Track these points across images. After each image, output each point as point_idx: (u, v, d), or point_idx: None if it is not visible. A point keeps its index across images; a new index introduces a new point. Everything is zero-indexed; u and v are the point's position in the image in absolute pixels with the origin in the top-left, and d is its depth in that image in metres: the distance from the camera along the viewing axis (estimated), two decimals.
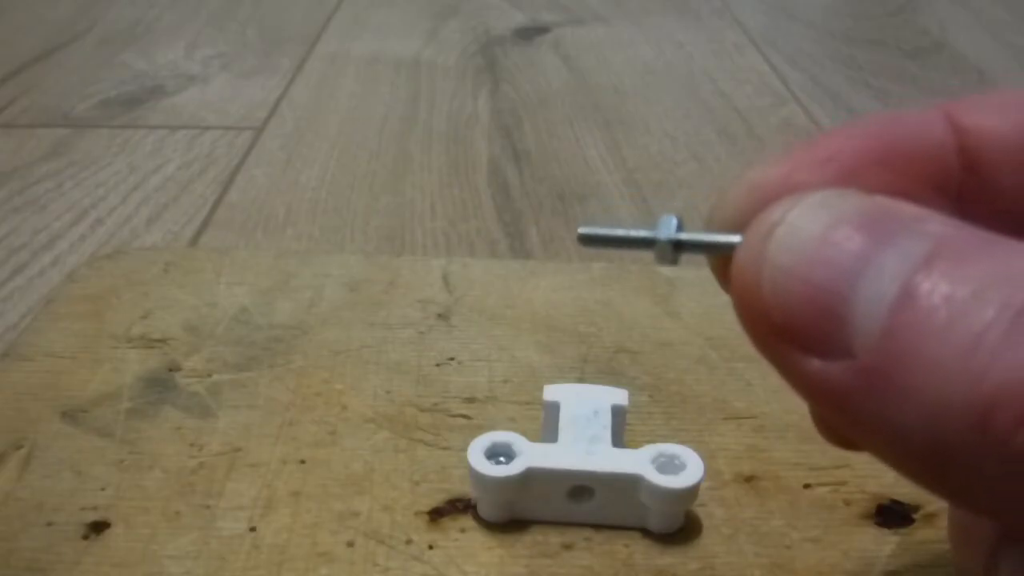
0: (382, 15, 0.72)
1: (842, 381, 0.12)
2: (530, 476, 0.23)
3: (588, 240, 0.16)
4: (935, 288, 0.11)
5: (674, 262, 0.15)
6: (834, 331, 0.12)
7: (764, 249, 0.13)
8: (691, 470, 0.22)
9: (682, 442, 0.23)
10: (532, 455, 0.23)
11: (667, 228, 0.15)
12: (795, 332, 0.12)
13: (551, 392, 0.25)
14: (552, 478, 0.23)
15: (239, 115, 0.53)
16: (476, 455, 0.23)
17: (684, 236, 0.15)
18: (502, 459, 0.23)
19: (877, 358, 0.11)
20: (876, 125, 0.15)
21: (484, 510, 0.23)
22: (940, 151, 0.15)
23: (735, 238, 0.14)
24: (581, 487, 0.23)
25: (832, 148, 0.15)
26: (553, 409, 0.24)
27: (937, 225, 0.12)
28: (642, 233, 0.16)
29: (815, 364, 0.12)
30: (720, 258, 0.15)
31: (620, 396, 0.25)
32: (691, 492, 0.22)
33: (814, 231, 0.12)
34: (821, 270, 0.12)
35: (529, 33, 0.67)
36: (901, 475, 0.12)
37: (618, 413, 0.24)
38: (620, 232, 0.16)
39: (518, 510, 0.23)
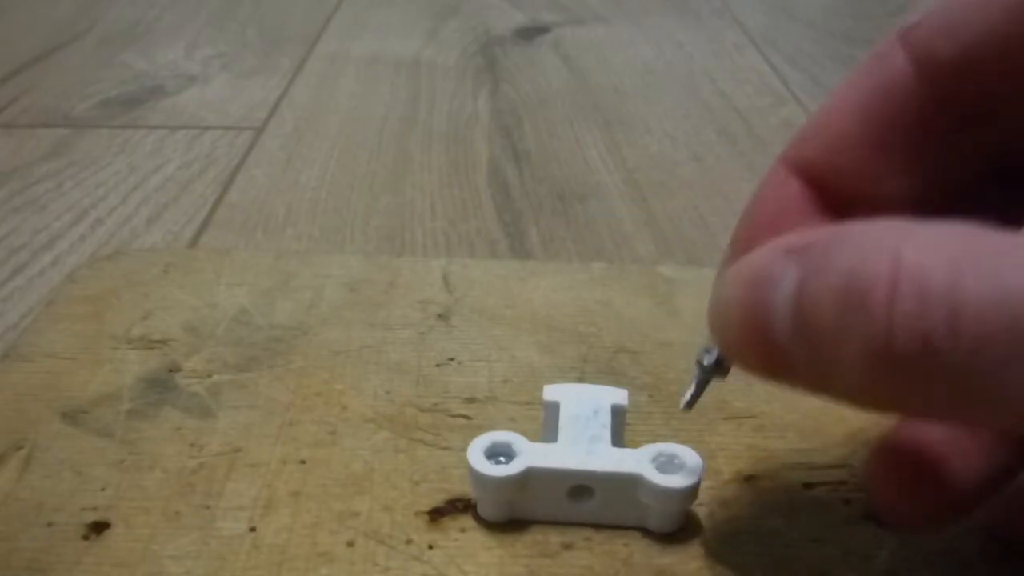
0: (382, 15, 0.72)
1: (801, 384, 0.16)
2: (530, 476, 0.23)
3: (689, 405, 0.22)
4: (810, 299, 0.15)
5: (725, 374, 0.21)
6: (779, 360, 0.16)
7: (714, 323, 0.18)
8: (691, 470, 0.22)
9: (682, 442, 0.23)
10: (532, 455, 0.23)
11: (709, 357, 0.21)
12: (760, 368, 0.17)
13: (551, 392, 0.25)
14: (552, 478, 0.23)
15: (239, 115, 0.53)
16: (476, 455, 0.23)
17: (716, 356, 0.21)
18: (502, 459, 0.23)
19: (809, 371, 0.16)
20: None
21: (484, 510, 0.23)
22: (903, 85, 0.20)
23: None
24: (581, 487, 0.23)
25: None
26: (553, 409, 0.24)
27: (804, 250, 0.16)
28: (697, 373, 0.21)
29: (782, 379, 0.17)
30: None
31: (620, 396, 0.25)
32: (691, 491, 0.22)
33: (730, 298, 0.17)
34: (745, 327, 0.17)
35: (529, 33, 0.67)
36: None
37: (618, 413, 0.24)
38: (694, 386, 0.22)
39: (518, 510, 0.23)
